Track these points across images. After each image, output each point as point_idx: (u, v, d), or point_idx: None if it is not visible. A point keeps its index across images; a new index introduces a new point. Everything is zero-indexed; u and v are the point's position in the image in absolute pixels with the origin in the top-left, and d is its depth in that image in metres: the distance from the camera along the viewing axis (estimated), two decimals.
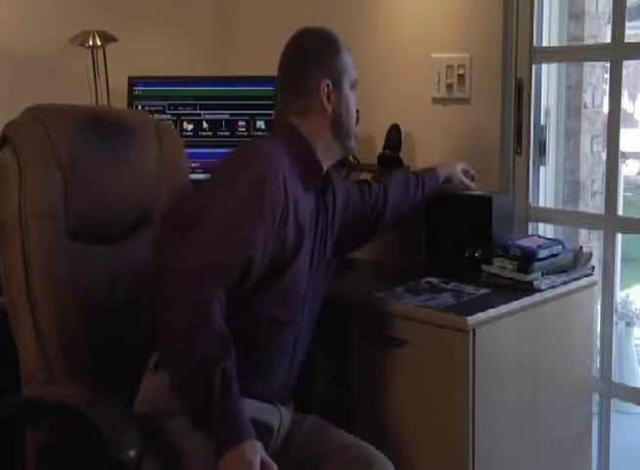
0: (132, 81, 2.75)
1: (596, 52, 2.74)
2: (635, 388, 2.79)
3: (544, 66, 2.50)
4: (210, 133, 2.76)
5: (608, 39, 2.43)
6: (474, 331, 1.88)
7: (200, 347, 1.52)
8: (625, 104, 8.28)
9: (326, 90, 1.81)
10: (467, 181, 2.30)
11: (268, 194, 1.67)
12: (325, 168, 1.86)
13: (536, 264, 2.08)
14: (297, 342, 1.83)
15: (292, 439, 1.80)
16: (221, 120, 2.76)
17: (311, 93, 1.82)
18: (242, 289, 1.65)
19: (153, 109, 2.75)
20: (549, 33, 2.54)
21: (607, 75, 2.47)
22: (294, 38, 1.89)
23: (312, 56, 1.84)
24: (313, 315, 1.87)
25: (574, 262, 2.21)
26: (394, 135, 2.54)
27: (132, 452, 1.49)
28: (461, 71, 2.51)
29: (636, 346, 3.90)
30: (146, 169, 1.95)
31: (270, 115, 2.74)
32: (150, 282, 1.72)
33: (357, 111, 1.89)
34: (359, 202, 2.04)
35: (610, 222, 2.37)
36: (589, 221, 2.64)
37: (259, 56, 3.07)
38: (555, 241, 2.21)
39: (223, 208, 1.65)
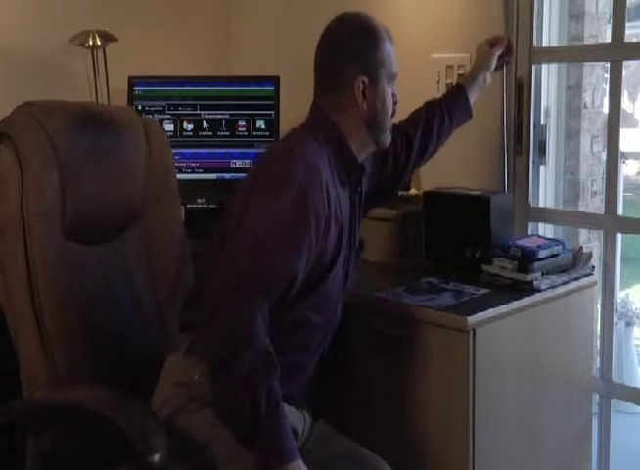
0: (132, 81, 2.75)
1: (596, 52, 2.74)
2: (635, 388, 2.79)
3: (544, 66, 2.50)
4: (210, 133, 2.76)
5: (608, 39, 2.43)
6: (474, 331, 1.88)
7: (245, 366, 1.49)
8: (625, 104, 8.28)
9: (361, 87, 1.75)
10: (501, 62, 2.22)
11: (313, 207, 1.63)
12: (360, 162, 1.83)
13: (536, 264, 2.07)
14: (326, 343, 1.82)
15: (307, 442, 1.79)
16: (221, 120, 2.76)
17: (346, 89, 1.76)
18: (282, 301, 1.63)
19: (153, 109, 2.75)
20: (549, 33, 2.54)
21: (607, 75, 2.47)
22: (331, 26, 1.81)
23: (348, 50, 1.76)
24: (341, 312, 1.85)
25: (574, 262, 2.21)
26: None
27: (161, 455, 1.47)
28: (461, 71, 2.51)
29: (636, 346, 3.90)
30: (135, 167, 1.95)
31: (270, 115, 2.74)
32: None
33: (396, 103, 1.83)
34: (380, 168, 1.99)
35: (610, 222, 2.37)
36: (589, 221, 2.64)
37: (259, 56, 3.09)
38: (555, 241, 2.21)
39: (268, 223, 1.61)
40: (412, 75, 2.61)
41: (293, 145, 1.75)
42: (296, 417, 1.74)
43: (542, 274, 2.10)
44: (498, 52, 2.19)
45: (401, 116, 2.55)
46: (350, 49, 1.76)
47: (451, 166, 2.44)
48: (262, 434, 1.49)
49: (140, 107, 2.74)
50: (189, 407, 1.66)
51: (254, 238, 1.60)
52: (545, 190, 2.58)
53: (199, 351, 1.65)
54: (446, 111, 2.09)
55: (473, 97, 2.14)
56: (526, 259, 2.07)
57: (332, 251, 1.72)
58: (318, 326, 1.76)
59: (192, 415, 1.65)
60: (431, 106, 2.10)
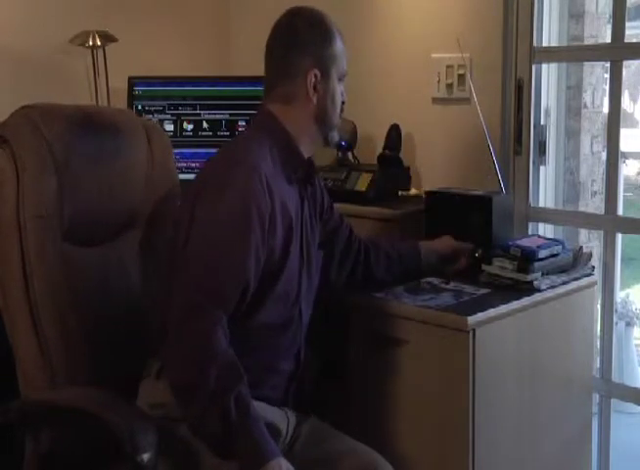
0: (132, 81, 2.76)
1: (596, 52, 2.73)
2: (635, 388, 2.79)
3: (544, 66, 2.50)
4: (210, 133, 2.77)
5: (608, 39, 2.43)
6: (474, 331, 1.87)
7: (212, 383, 1.50)
8: (625, 104, 8.29)
9: (313, 80, 1.75)
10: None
11: (255, 203, 1.63)
12: (306, 157, 1.82)
13: (536, 264, 2.07)
14: (299, 341, 1.82)
15: (296, 441, 1.79)
16: (221, 120, 2.77)
17: (297, 81, 1.75)
18: (238, 308, 1.64)
19: (153, 109, 2.75)
20: (549, 33, 2.55)
21: (607, 75, 2.47)
22: (284, 19, 1.80)
23: (302, 42, 1.76)
24: (309, 310, 1.84)
25: (574, 262, 2.20)
26: (394, 135, 2.54)
27: (149, 455, 1.47)
28: (461, 71, 2.51)
29: (636, 346, 3.89)
30: (136, 170, 1.95)
31: None
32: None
33: (343, 102, 1.84)
34: (345, 238, 2.02)
35: (610, 222, 2.37)
36: (589, 221, 2.64)
37: (259, 56, 3.07)
38: (555, 241, 2.21)
39: (214, 229, 1.62)
40: (412, 75, 2.62)
41: (233, 152, 1.76)
42: (276, 415, 1.74)
43: (542, 274, 2.10)
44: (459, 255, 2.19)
45: (404, 114, 2.57)
46: (305, 41, 1.76)
47: (451, 167, 2.45)
48: (238, 440, 1.50)
49: (140, 107, 2.74)
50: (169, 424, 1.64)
51: (203, 248, 1.61)
52: (545, 190, 2.59)
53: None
54: (400, 256, 2.11)
55: (425, 259, 2.15)
56: (526, 259, 2.07)
57: (280, 249, 1.71)
58: (279, 327, 1.75)
59: (173, 430, 1.63)
60: (385, 245, 2.13)
